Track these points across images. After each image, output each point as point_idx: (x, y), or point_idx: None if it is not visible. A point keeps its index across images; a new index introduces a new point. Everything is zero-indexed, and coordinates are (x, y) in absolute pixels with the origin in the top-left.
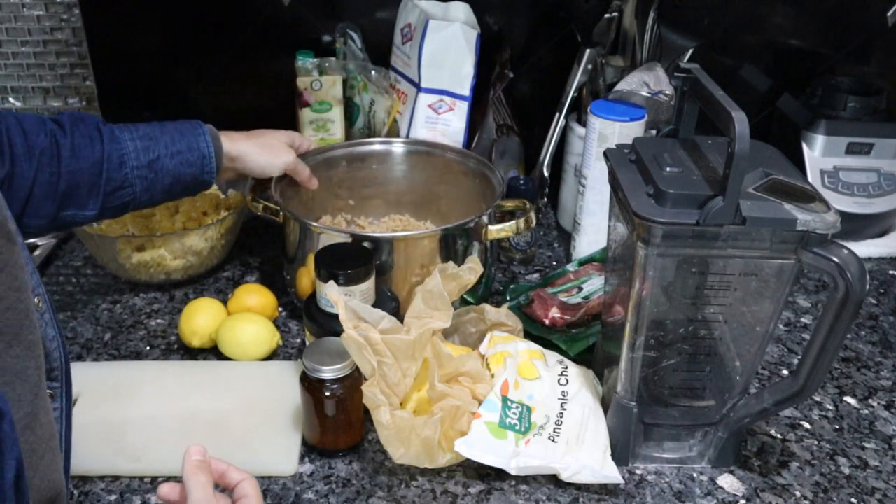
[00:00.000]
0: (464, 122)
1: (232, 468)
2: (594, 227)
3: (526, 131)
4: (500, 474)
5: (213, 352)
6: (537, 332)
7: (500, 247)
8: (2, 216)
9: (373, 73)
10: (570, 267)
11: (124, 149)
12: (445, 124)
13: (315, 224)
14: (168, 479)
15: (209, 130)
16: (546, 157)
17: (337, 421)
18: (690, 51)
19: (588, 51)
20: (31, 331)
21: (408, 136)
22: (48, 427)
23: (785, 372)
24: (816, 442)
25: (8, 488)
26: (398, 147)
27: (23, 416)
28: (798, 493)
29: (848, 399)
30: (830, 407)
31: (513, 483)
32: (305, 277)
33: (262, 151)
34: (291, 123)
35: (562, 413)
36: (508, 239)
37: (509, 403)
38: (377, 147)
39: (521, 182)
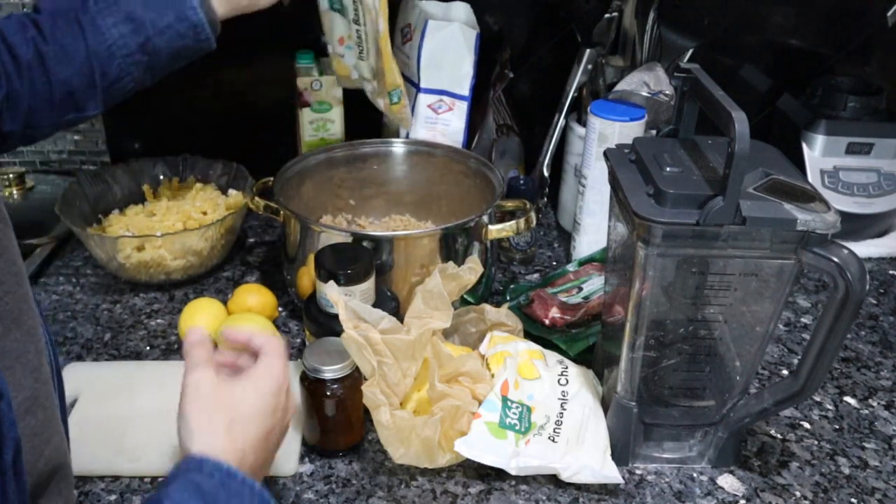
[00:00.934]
0: (463, 122)
1: (255, 334)
2: (594, 227)
3: (526, 131)
4: (500, 474)
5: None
6: (537, 332)
7: (500, 247)
8: None
9: None
10: (570, 267)
11: (109, 39)
12: (445, 124)
13: (316, 223)
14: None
15: None
16: (546, 157)
17: (337, 421)
18: (690, 51)
19: (588, 51)
20: (30, 315)
21: (407, 137)
22: (51, 411)
23: (785, 372)
24: (816, 442)
25: (7, 468)
26: (398, 147)
27: (23, 399)
28: (798, 493)
29: (848, 399)
30: (830, 407)
31: (513, 483)
32: (306, 277)
33: None
34: (291, 123)
35: (562, 413)
36: (508, 239)
37: (509, 403)
38: (377, 147)
39: (521, 182)
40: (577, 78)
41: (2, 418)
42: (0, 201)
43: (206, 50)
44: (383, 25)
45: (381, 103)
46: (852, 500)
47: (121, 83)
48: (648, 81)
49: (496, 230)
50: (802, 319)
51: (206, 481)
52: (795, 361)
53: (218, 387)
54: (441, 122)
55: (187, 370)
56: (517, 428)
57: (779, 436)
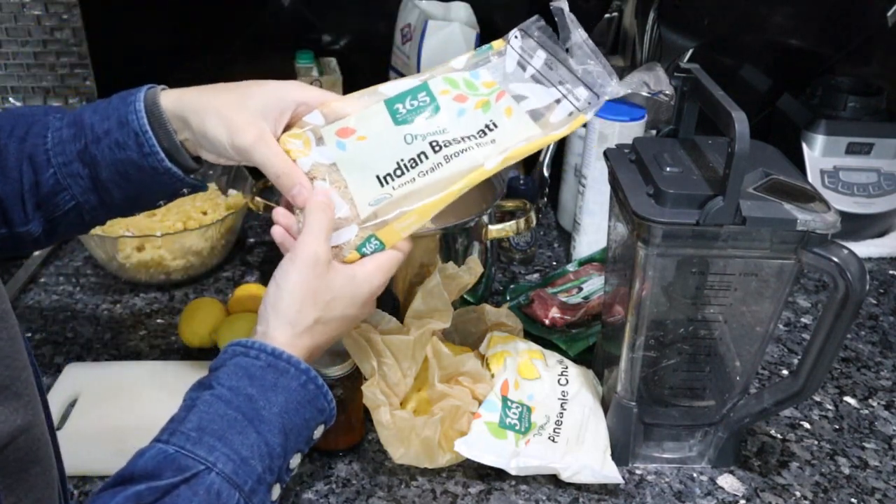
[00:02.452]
0: None
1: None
2: (594, 227)
3: None
4: (500, 474)
5: (213, 352)
6: (537, 332)
7: (500, 247)
8: None
9: None
10: (570, 267)
11: (49, 143)
12: None
13: None
14: None
15: (146, 95)
16: (546, 157)
17: (337, 421)
18: (690, 51)
19: None
20: (2, 300)
21: None
22: (27, 399)
23: (785, 372)
24: (816, 442)
25: None
26: None
27: None
28: (798, 493)
29: (848, 399)
30: (830, 407)
31: (513, 483)
32: None
33: (219, 118)
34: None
35: (562, 413)
36: (508, 239)
37: (509, 403)
38: None
39: (521, 182)
40: None
41: None
42: None
43: (160, 175)
44: (493, 166)
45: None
46: (852, 500)
47: (57, 199)
48: (648, 81)
49: (496, 230)
50: (802, 319)
51: (253, 364)
52: (795, 361)
53: (323, 276)
54: None
55: (305, 238)
56: (517, 428)
57: (779, 436)
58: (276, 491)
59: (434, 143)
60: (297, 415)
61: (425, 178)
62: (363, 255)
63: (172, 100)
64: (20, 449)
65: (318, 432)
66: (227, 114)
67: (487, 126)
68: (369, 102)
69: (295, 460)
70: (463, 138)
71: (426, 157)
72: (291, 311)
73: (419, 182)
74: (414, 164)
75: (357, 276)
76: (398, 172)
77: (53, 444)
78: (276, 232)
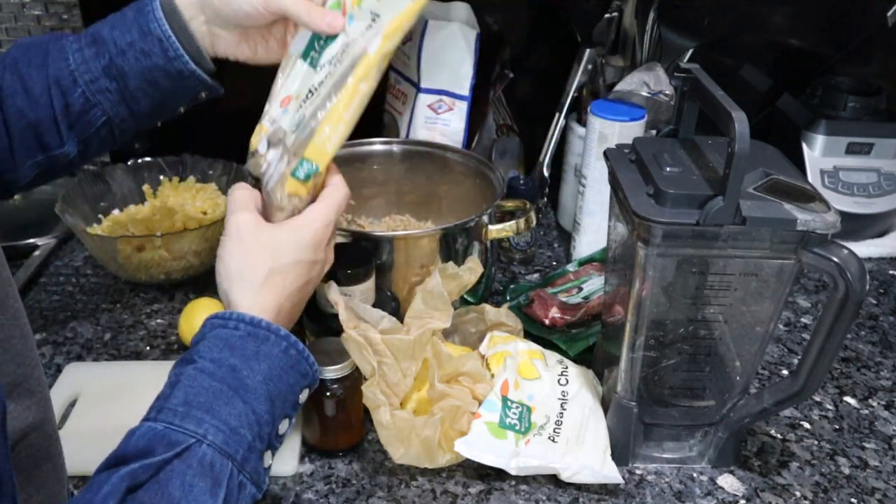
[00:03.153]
0: (463, 121)
1: (334, 170)
2: (594, 227)
3: (526, 131)
4: (500, 474)
5: None
6: (537, 332)
7: (500, 247)
8: None
9: None
10: (570, 267)
11: (72, 64)
12: (445, 124)
13: None
14: None
15: (162, 3)
16: (546, 157)
17: (337, 421)
18: (690, 51)
19: (588, 51)
20: (14, 299)
21: (407, 137)
22: (39, 397)
23: (785, 372)
24: (816, 442)
25: None
26: (398, 147)
27: (4, 385)
28: (798, 493)
29: (848, 399)
30: (830, 407)
31: (513, 483)
32: None
33: None
34: None
35: (562, 413)
36: (508, 239)
37: (509, 403)
38: (378, 147)
39: (521, 182)
40: (577, 78)
41: None
42: None
43: (187, 77)
44: (376, 48)
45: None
46: (852, 500)
47: (88, 116)
48: (648, 81)
49: (496, 230)
50: (802, 319)
51: (232, 335)
52: (795, 361)
53: (259, 232)
54: (441, 122)
55: (228, 213)
56: (517, 428)
57: (779, 436)
58: (269, 457)
59: (333, 58)
60: (281, 381)
61: (326, 87)
62: (303, 181)
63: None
64: (32, 445)
65: (304, 396)
66: None
67: (372, 19)
68: (288, 66)
69: (283, 426)
70: (353, 39)
71: (329, 74)
72: (241, 273)
73: (321, 92)
74: (320, 83)
75: (296, 221)
76: (309, 96)
77: None
78: None
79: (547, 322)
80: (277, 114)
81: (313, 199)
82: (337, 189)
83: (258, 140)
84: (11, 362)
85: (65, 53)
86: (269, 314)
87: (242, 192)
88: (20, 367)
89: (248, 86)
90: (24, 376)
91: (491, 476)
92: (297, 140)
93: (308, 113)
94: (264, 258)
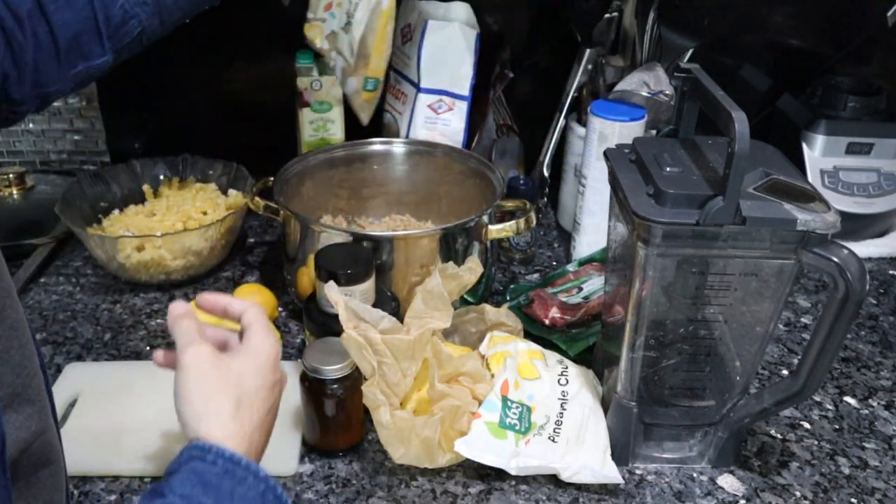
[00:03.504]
0: (463, 121)
1: (234, 301)
2: (594, 227)
3: (526, 131)
4: (500, 474)
5: None
6: (537, 332)
7: (500, 247)
8: None
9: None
10: (570, 267)
11: None
12: (445, 124)
13: (316, 223)
14: None
15: None
16: (546, 157)
17: (337, 421)
18: (690, 51)
19: (588, 51)
20: (14, 309)
21: (407, 136)
22: (39, 406)
23: (785, 372)
24: (816, 442)
25: None
26: (398, 147)
27: (3, 396)
28: (798, 493)
29: (848, 399)
30: (830, 407)
31: (513, 483)
32: (306, 277)
33: None
34: (291, 123)
35: (562, 413)
36: (508, 239)
37: (509, 403)
38: (378, 147)
39: (521, 182)
40: (577, 78)
41: None
42: None
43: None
44: (388, 3)
45: (351, 83)
46: (852, 500)
47: (127, 27)
48: (648, 81)
49: (496, 230)
50: (802, 319)
51: (209, 470)
52: (795, 361)
53: (219, 363)
54: (441, 121)
55: (181, 347)
56: (517, 428)
57: (779, 436)
58: None
59: None
60: None
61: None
62: (373, 91)
63: None
64: (34, 454)
65: None
66: None
67: None
68: None
69: None
70: None
71: None
72: (207, 408)
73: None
74: None
75: (250, 347)
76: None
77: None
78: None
79: (547, 322)
80: (322, 14)
81: None
82: (257, 310)
83: (316, 35)
84: (10, 373)
85: None
86: (242, 447)
87: (189, 323)
88: (19, 378)
89: (248, 86)
90: (24, 386)
91: (491, 476)
92: (358, 63)
93: (357, 39)
94: (230, 389)
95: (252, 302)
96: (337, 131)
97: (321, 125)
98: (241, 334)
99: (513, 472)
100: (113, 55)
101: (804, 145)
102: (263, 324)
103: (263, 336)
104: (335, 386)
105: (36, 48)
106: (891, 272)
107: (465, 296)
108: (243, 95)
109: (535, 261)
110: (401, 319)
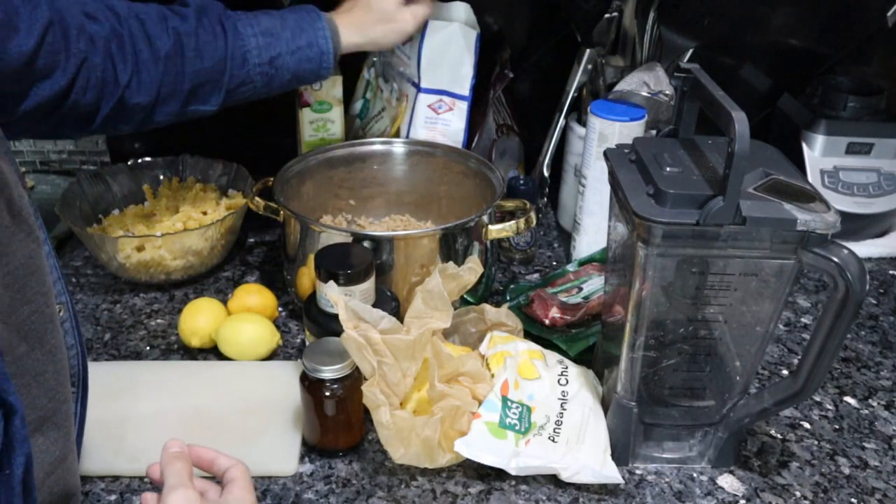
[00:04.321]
0: (463, 122)
1: (221, 456)
2: (594, 227)
3: (526, 131)
4: (500, 474)
5: (213, 352)
6: (537, 332)
7: (500, 247)
8: (33, 222)
9: (383, 87)
10: (570, 267)
11: (247, 46)
12: (445, 124)
13: (316, 223)
14: None
15: (327, 24)
16: (546, 157)
17: (337, 421)
18: (690, 51)
19: (588, 51)
20: (53, 335)
21: (408, 136)
22: (65, 431)
23: (785, 372)
24: (816, 442)
25: (16, 484)
26: (399, 147)
27: (35, 418)
28: (798, 493)
29: (848, 399)
30: (830, 407)
31: (513, 483)
32: (306, 277)
33: (383, 30)
34: (291, 123)
35: (562, 413)
36: (508, 239)
37: (509, 403)
38: (378, 147)
39: (521, 182)
40: (577, 78)
41: (14, 434)
42: (39, 226)
43: (323, 78)
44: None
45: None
46: (852, 500)
47: (243, 88)
48: (648, 81)
49: (496, 230)
50: (802, 319)
51: None
52: (795, 361)
53: None
54: (441, 122)
55: (169, 488)
56: (517, 428)
57: (779, 436)
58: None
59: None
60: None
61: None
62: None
63: (344, 32)
64: (59, 481)
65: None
66: (385, 23)
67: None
68: None
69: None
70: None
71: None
72: None
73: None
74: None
75: (228, 501)
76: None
77: (79, 441)
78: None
79: (547, 322)
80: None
81: None
82: (242, 468)
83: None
84: (44, 396)
85: (240, 35)
86: None
87: (182, 466)
88: (51, 402)
89: None
90: (54, 410)
91: (491, 476)
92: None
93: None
94: None
95: (238, 460)
96: (337, 131)
97: (321, 125)
98: (222, 488)
99: (513, 472)
100: (219, 108)
101: (804, 145)
102: (246, 482)
103: (244, 493)
104: (335, 386)
105: (161, 84)
106: (891, 272)
107: (465, 296)
108: None
109: (535, 261)
110: (401, 319)
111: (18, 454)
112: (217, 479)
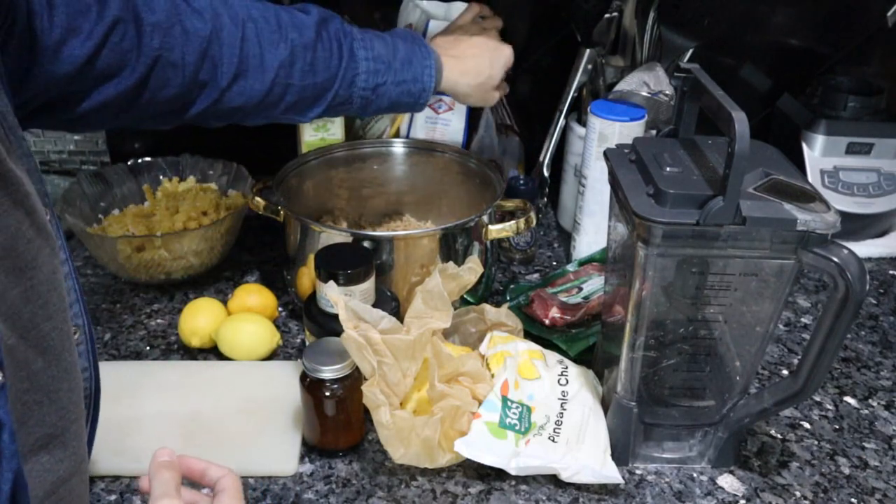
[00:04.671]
0: (463, 121)
1: (212, 466)
2: (594, 227)
3: (526, 131)
4: (500, 474)
5: (213, 352)
6: (537, 332)
7: (500, 247)
8: (55, 240)
9: None
10: (570, 267)
11: (358, 69)
12: (445, 124)
13: (316, 223)
14: None
15: (435, 62)
16: (546, 157)
17: (337, 421)
18: (690, 51)
19: (588, 51)
20: (70, 352)
21: (407, 136)
22: (73, 450)
23: (785, 372)
24: (816, 442)
25: (3, 500)
26: (399, 147)
27: (42, 435)
28: (798, 493)
29: (848, 399)
30: (830, 407)
31: (513, 483)
32: (306, 277)
33: (474, 91)
34: (292, 123)
35: (562, 413)
36: (509, 239)
37: (509, 403)
38: (378, 147)
39: (521, 182)
40: (577, 78)
41: (2, 450)
42: (62, 247)
43: (417, 111)
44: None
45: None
46: (852, 500)
47: (342, 107)
48: (648, 81)
49: (496, 230)
50: (802, 319)
51: None
52: (795, 361)
53: None
54: (441, 121)
55: (155, 498)
56: (517, 428)
57: (779, 436)
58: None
59: None
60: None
61: None
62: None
63: (446, 71)
64: (61, 500)
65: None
66: (479, 90)
67: None
68: None
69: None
70: None
71: None
72: None
73: None
74: None
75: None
76: None
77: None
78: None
79: (547, 322)
80: None
81: None
82: (233, 478)
83: None
84: (54, 414)
85: (356, 58)
86: None
87: (169, 476)
88: (61, 420)
89: None
90: (63, 429)
91: (491, 476)
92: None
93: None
94: None
95: (229, 469)
96: (337, 132)
97: (321, 125)
98: (214, 498)
99: (513, 472)
100: (312, 120)
101: (804, 145)
102: (236, 491)
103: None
104: (335, 386)
105: (269, 94)
106: (891, 272)
107: (465, 296)
108: None
109: (535, 261)
110: (401, 319)
111: (6, 470)
112: (209, 489)
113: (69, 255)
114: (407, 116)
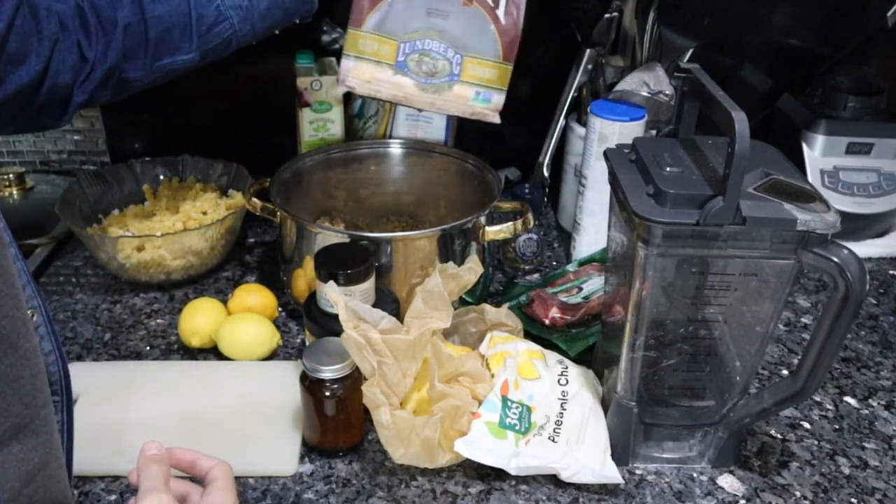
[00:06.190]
0: (444, 119)
1: (202, 456)
2: (594, 227)
3: (526, 131)
4: (500, 474)
5: (213, 352)
6: (537, 332)
7: (505, 257)
8: None
9: None
10: (570, 267)
11: None
12: (427, 121)
13: (312, 225)
14: None
15: None
16: (546, 157)
17: (337, 421)
18: (690, 51)
19: (588, 51)
20: (27, 339)
21: (390, 135)
22: (45, 437)
23: (785, 372)
24: (816, 442)
25: None
26: (396, 148)
27: (10, 426)
28: (798, 493)
29: (848, 399)
30: (830, 407)
31: (513, 483)
32: (301, 279)
33: None
34: (291, 123)
35: (562, 413)
36: (514, 249)
37: (509, 403)
38: (375, 148)
39: (527, 190)
40: (577, 78)
41: None
42: (2, 228)
43: (307, 10)
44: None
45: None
46: (852, 500)
47: (218, 28)
48: (648, 81)
49: (493, 231)
50: (802, 319)
51: None
52: (795, 361)
53: None
54: (423, 118)
55: (143, 492)
56: (517, 428)
57: (779, 436)
58: None
59: None
60: None
61: None
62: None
63: None
64: (39, 488)
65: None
66: None
67: None
68: None
69: None
70: None
71: None
72: None
73: None
74: None
75: (209, 502)
76: None
77: (69, 447)
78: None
79: (547, 322)
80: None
81: None
82: (224, 468)
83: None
84: (19, 403)
85: None
86: None
87: (157, 469)
88: (28, 408)
89: (248, 86)
90: (31, 417)
91: (491, 476)
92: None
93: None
94: None
95: (221, 460)
96: (337, 131)
97: (321, 125)
98: (204, 489)
99: (513, 472)
100: (199, 55)
101: (804, 145)
102: (227, 482)
103: (225, 494)
104: (335, 386)
105: (126, 34)
106: (891, 272)
107: (465, 296)
108: (243, 95)
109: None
110: (401, 319)
111: None
112: (201, 481)
113: (12, 237)
114: (389, 115)
